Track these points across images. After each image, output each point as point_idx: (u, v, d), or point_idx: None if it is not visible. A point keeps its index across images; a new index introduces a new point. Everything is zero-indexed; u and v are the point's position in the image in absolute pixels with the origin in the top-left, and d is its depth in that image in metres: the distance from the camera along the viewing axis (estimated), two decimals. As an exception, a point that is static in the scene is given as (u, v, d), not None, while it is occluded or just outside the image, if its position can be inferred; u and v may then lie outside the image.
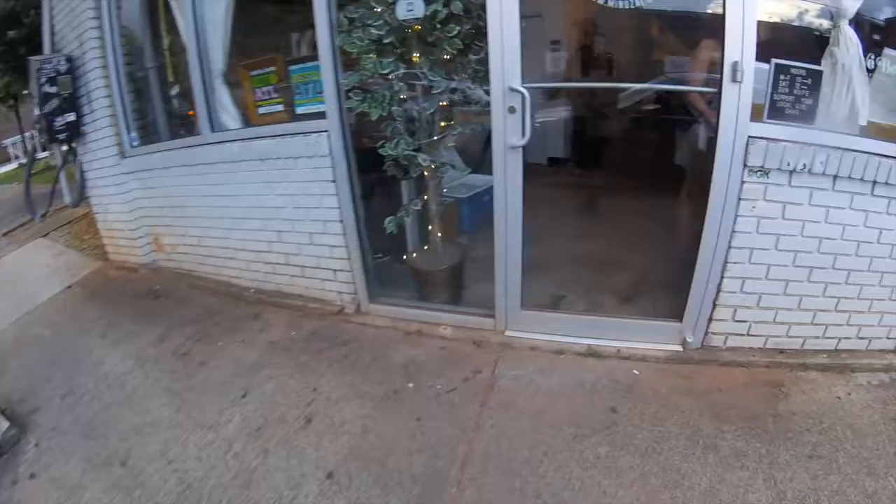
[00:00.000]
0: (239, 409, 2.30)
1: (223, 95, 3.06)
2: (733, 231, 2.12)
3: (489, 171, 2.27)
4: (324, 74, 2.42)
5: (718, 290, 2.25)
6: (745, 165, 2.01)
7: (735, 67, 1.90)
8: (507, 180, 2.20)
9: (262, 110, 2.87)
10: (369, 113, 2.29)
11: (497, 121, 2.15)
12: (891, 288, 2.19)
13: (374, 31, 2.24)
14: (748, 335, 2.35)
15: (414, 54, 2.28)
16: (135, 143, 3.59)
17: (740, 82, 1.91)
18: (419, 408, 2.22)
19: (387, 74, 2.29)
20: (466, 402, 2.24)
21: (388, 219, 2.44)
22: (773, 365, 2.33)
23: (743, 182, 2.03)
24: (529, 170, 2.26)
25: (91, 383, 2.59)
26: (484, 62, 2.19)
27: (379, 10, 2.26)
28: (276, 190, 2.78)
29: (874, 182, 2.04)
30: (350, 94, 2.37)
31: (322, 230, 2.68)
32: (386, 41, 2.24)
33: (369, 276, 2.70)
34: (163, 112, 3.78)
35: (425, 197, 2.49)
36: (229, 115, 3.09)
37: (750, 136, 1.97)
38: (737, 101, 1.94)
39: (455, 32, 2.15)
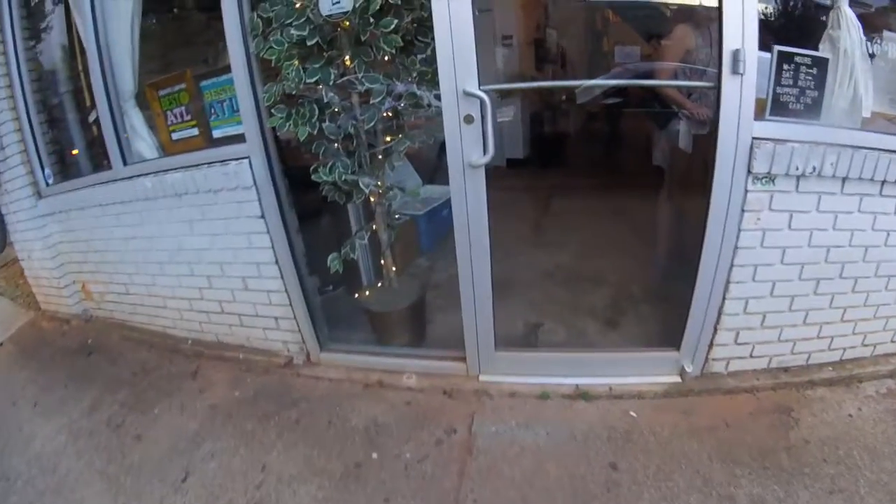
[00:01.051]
0: (181, 498, 1.78)
1: (135, 121, 2.42)
2: (736, 248, 1.70)
3: (446, 181, 1.74)
4: (238, 89, 1.85)
5: (720, 314, 1.85)
6: (749, 172, 1.58)
7: (736, 57, 1.47)
8: (470, 207, 1.69)
9: (175, 136, 2.26)
10: (297, 132, 1.72)
11: (451, 133, 1.63)
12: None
13: (294, 31, 1.69)
14: (751, 357, 1.97)
15: (345, 57, 1.72)
16: (49, 181, 2.88)
17: (742, 74, 1.46)
18: (386, 485, 1.74)
19: (314, 83, 1.72)
20: (441, 472, 1.75)
21: (332, 256, 1.89)
22: (778, 386, 1.96)
23: (747, 192, 1.61)
24: (486, 174, 1.76)
25: (24, 465, 2.06)
26: (431, 62, 1.66)
27: (299, 5, 1.69)
28: (197, 229, 2.18)
29: (883, 181, 1.65)
30: (272, 111, 1.79)
31: (256, 273, 2.11)
32: (310, 43, 1.67)
33: (317, 323, 2.15)
34: (82, 142, 3.07)
35: (373, 225, 1.94)
36: (146, 144, 2.45)
37: (754, 138, 1.53)
38: (738, 96, 1.50)
39: (392, 27, 1.61)
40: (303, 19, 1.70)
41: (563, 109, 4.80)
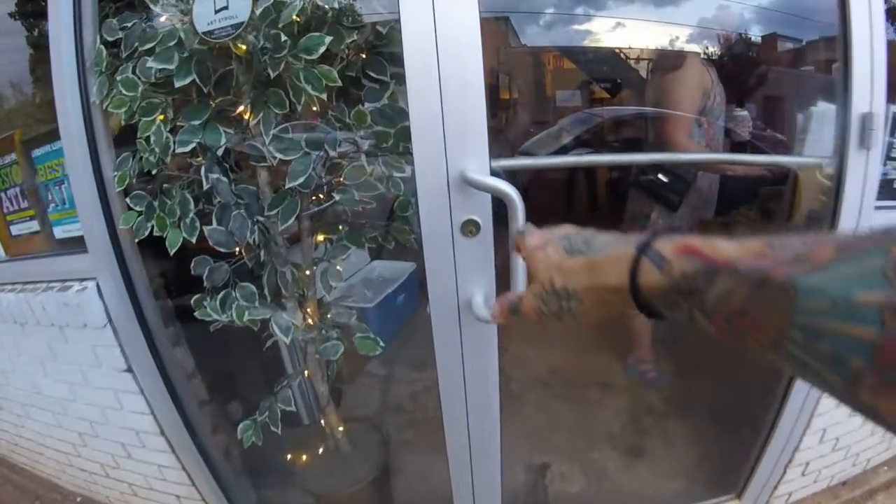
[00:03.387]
0: None
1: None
2: None
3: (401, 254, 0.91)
4: (70, 164, 0.97)
5: (795, 451, 1.10)
6: None
7: (867, 124, 0.72)
8: (468, 370, 0.84)
9: (14, 230, 1.30)
10: (165, 237, 0.84)
11: (435, 253, 0.78)
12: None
13: (154, 64, 0.84)
14: (814, 483, 1.24)
15: (242, 106, 0.86)
16: None
17: (869, 149, 0.72)
18: None
19: (190, 154, 0.86)
20: None
21: (243, 427, 1.00)
22: None
23: None
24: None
25: None
26: (392, 117, 0.84)
27: (164, 19, 0.83)
28: (52, 373, 1.24)
29: None
30: (128, 201, 0.91)
31: (138, 442, 1.19)
32: (181, 84, 0.83)
33: (236, 498, 1.21)
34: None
35: (306, 373, 1.05)
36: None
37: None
38: (863, 178, 0.76)
39: (321, 51, 0.79)
40: (171, 42, 0.84)
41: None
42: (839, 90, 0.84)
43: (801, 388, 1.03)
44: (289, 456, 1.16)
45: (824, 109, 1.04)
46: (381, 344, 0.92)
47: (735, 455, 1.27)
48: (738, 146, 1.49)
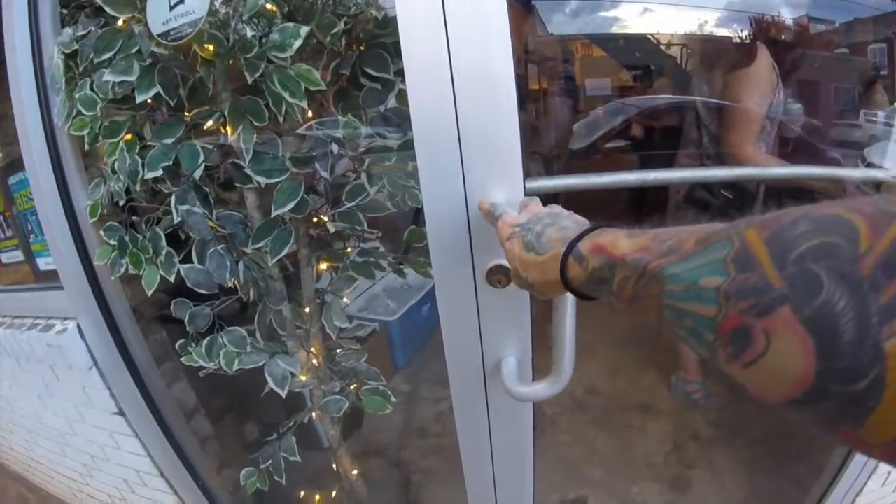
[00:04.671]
0: None
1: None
2: None
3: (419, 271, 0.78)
4: (35, 193, 0.86)
5: (857, 496, 0.98)
6: None
7: None
8: (499, 479, 0.72)
9: (5, 258, 1.22)
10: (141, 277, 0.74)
11: (451, 310, 0.62)
12: None
13: (110, 76, 0.71)
14: None
15: (211, 121, 0.74)
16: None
17: None
18: None
19: (159, 179, 0.74)
20: None
21: (246, 473, 0.91)
22: None
23: None
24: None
25: None
26: (403, 124, 0.71)
27: (121, 23, 0.70)
28: (50, 407, 1.19)
29: None
30: (102, 234, 0.80)
31: (139, 481, 1.13)
32: (143, 97, 0.71)
33: None
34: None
35: (312, 415, 0.95)
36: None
37: None
38: None
39: (296, 44, 0.63)
40: (132, 51, 0.71)
41: (556, 155, 3.66)
42: None
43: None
44: (301, 493, 1.08)
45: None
46: (393, 399, 0.80)
47: (790, 492, 1.14)
48: (788, 142, 1.30)
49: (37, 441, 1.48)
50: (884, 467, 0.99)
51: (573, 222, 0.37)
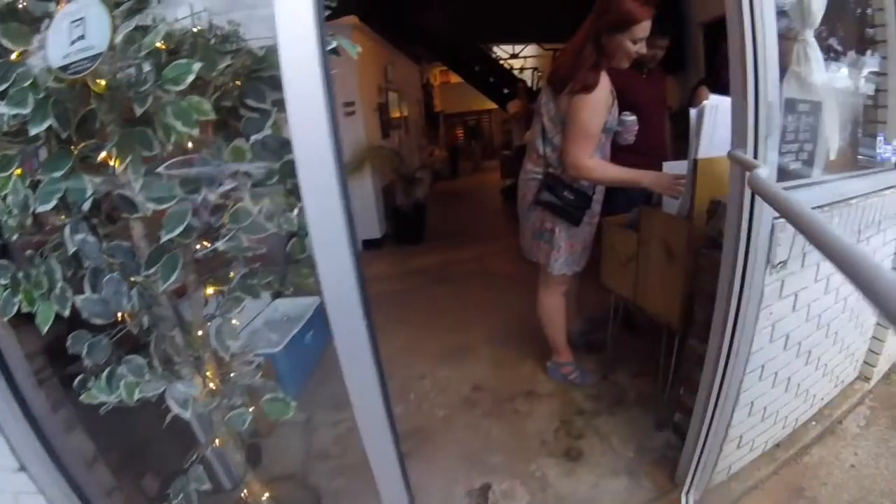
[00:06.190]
0: None
1: None
2: (749, 354, 1.06)
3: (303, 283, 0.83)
4: None
5: (727, 428, 1.23)
6: (768, 263, 0.94)
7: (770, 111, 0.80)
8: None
9: None
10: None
11: (334, 300, 0.63)
12: (860, 327, 1.55)
13: (5, 108, 0.70)
14: (750, 451, 1.40)
15: (105, 152, 0.73)
16: None
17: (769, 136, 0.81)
18: None
19: (52, 211, 0.71)
20: None
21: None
22: (778, 468, 1.48)
23: (763, 288, 0.98)
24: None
25: None
26: (279, 149, 0.77)
27: (15, 56, 0.71)
28: None
29: (858, 231, 1.18)
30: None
31: None
32: (36, 130, 0.70)
33: None
34: None
35: (217, 442, 0.93)
36: None
37: (774, 219, 0.90)
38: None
39: (187, 80, 0.70)
40: (26, 83, 0.69)
41: (413, 177, 4.05)
42: (738, 80, 0.84)
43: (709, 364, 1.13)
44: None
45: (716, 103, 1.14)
46: (293, 404, 0.84)
47: (671, 444, 1.37)
48: (623, 149, 1.60)
49: None
50: (744, 398, 1.19)
51: None
